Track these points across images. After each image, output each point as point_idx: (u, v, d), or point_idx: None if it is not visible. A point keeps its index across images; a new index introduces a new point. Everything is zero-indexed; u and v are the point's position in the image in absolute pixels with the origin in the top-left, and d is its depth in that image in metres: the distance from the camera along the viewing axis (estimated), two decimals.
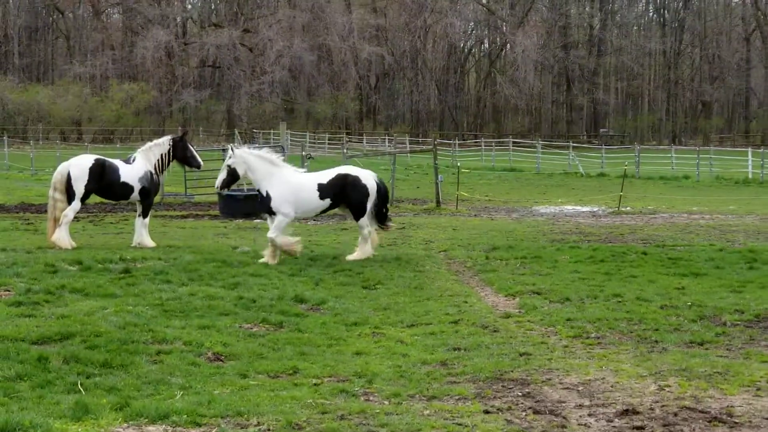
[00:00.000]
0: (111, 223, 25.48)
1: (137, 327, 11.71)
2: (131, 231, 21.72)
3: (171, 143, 20.92)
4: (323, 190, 18.60)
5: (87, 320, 11.96)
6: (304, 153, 32.98)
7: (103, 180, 20.06)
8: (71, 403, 8.58)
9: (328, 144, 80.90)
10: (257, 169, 18.52)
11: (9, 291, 14.16)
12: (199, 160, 21.47)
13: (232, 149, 18.89)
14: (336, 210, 19.67)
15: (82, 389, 9.15)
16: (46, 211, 20.90)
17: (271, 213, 18.50)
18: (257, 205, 27.32)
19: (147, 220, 20.42)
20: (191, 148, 21.34)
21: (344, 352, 10.98)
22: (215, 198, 29.84)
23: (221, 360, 10.50)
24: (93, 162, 20.14)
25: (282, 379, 9.82)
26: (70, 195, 19.88)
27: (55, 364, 9.95)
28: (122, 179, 20.24)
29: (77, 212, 20.53)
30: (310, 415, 8.54)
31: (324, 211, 19.34)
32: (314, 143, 79.45)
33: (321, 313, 13.20)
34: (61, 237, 19.62)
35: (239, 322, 12.37)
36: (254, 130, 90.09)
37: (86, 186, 19.91)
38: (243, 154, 18.69)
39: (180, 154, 21.04)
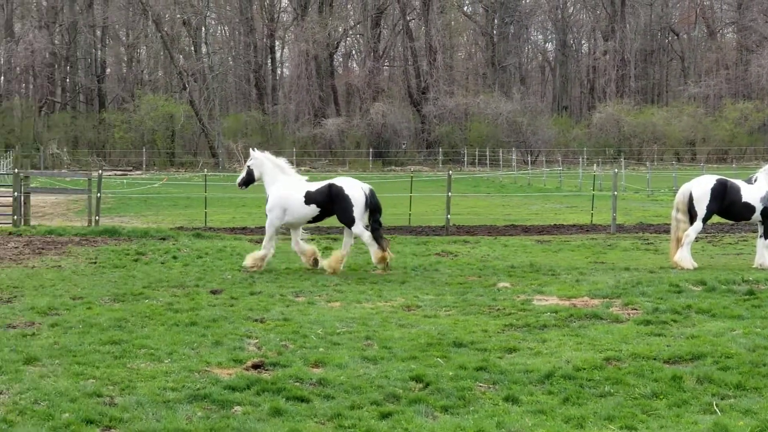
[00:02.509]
0: (729, 243, 25.17)
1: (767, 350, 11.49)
2: (750, 252, 21.34)
3: None
4: (309, 197, 19.61)
5: (716, 341, 11.96)
6: None
7: (725, 200, 19.92)
8: (709, 423, 8.64)
9: None
10: (268, 173, 20.23)
11: (636, 310, 14.52)
12: None
13: (253, 152, 20.71)
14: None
15: (717, 410, 9.17)
16: (665, 231, 21.14)
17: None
18: None
19: None
20: None
21: None
22: None
23: None
24: (715, 182, 20.06)
25: None
26: (692, 215, 20.00)
27: (688, 383, 10.05)
28: (744, 199, 19.96)
29: (698, 233, 20.56)
30: None
31: (316, 219, 19.97)
32: None
33: None
34: (684, 257, 19.76)
35: None
36: None
37: (708, 206, 19.87)
38: (260, 157, 20.39)
39: None
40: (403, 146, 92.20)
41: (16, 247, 23.59)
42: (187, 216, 35.18)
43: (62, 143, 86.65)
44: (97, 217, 29.46)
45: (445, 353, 11.48)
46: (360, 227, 19.43)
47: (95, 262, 20.65)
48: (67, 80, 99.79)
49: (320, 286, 17.07)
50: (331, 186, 19.67)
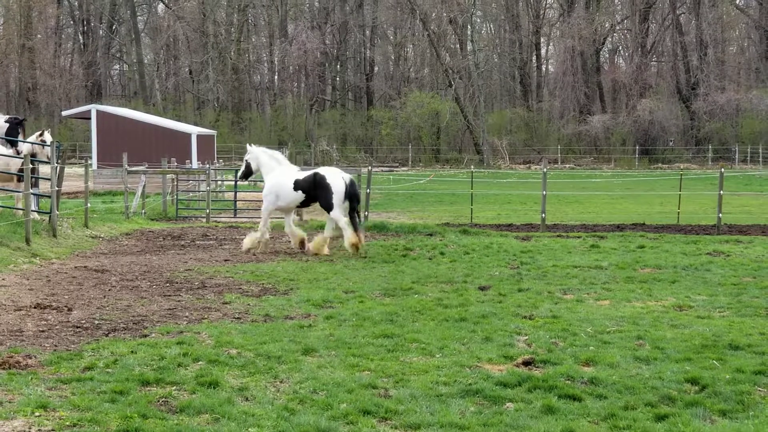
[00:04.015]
0: None
1: None
2: None
3: None
4: (297, 184, 21.79)
5: None
6: None
7: None
8: None
9: None
10: (264, 164, 22.45)
11: None
12: None
13: (249, 147, 22.89)
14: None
15: None
16: None
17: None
18: None
19: None
20: None
21: None
22: None
23: None
24: None
25: None
26: None
27: None
28: None
29: None
30: None
31: (303, 204, 22.43)
32: None
33: None
34: None
35: None
36: None
37: None
38: (256, 151, 22.64)
39: None
40: (671, 143, 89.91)
41: (290, 241, 24.50)
42: (452, 212, 35.55)
43: (332, 140, 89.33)
44: (366, 213, 30.19)
45: (721, 356, 11.13)
46: (338, 212, 21.44)
47: (365, 257, 21.19)
48: (337, 79, 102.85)
49: (588, 284, 16.91)
50: (315, 174, 21.85)
